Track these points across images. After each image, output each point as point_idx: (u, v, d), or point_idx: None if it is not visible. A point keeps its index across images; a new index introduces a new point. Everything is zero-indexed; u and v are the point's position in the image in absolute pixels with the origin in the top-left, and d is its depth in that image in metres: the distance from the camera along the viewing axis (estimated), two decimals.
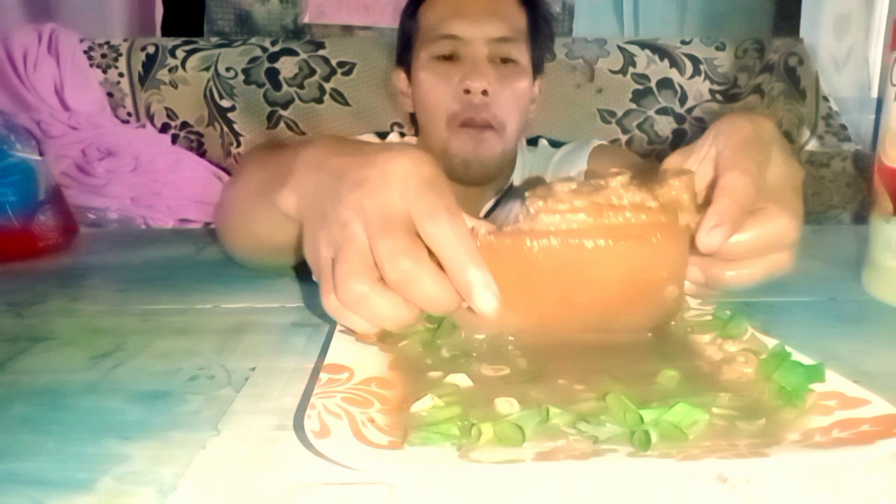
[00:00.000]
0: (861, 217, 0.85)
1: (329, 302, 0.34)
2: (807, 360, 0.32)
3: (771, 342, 0.35)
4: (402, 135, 0.99)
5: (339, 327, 0.37)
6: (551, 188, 0.35)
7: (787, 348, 0.33)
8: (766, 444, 0.26)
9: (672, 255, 0.36)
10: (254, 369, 0.37)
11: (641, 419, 0.27)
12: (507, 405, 0.29)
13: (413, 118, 0.97)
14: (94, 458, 0.28)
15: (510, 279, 0.33)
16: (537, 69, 0.90)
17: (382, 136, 0.98)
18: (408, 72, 0.91)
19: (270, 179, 0.44)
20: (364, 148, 0.38)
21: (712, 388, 0.31)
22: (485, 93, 0.80)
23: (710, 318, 0.40)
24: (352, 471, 0.25)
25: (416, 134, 0.97)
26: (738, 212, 0.34)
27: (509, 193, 0.90)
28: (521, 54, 0.85)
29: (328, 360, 0.33)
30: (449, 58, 0.83)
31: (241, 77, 1.29)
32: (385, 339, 0.37)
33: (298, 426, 0.30)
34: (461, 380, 0.32)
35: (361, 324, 0.34)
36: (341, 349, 0.34)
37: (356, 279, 0.32)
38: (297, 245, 0.40)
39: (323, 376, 0.31)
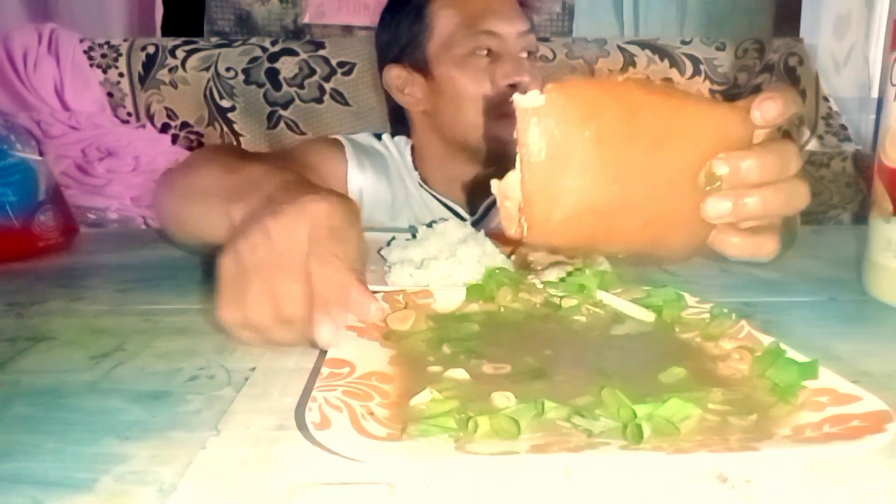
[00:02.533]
0: (861, 217, 0.85)
1: (228, 315, 0.39)
2: (802, 358, 0.32)
3: (767, 340, 0.35)
4: (394, 135, 0.98)
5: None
6: None
7: (782, 346, 0.34)
8: (757, 438, 0.26)
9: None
10: (254, 369, 0.37)
11: (635, 414, 0.27)
12: (503, 399, 0.30)
13: (397, 116, 0.97)
14: (94, 457, 0.28)
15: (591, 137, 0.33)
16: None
17: (377, 136, 0.98)
18: (416, 69, 0.91)
19: (230, 189, 0.50)
20: (308, 187, 0.44)
21: (708, 384, 0.31)
22: (523, 83, 0.85)
23: (707, 316, 0.40)
24: (352, 470, 0.25)
25: (406, 133, 0.97)
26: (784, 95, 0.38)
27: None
28: (535, 43, 0.91)
29: (330, 355, 0.33)
30: (488, 52, 0.86)
31: (241, 77, 1.29)
32: (388, 336, 0.38)
33: (299, 425, 0.30)
34: (460, 374, 0.33)
35: (251, 338, 0.39)
36: (343, 345, 0.35)
37: (264, 313, 0.37)
38: None
39: (324, 370, 0.31)
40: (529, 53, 0.89)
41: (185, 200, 0.63)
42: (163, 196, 0.69)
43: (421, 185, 0.93)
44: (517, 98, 0.34)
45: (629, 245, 0.38)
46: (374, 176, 0.92)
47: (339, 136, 0.97)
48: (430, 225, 0.59)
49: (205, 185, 0.59)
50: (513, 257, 0.58)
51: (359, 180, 0.92)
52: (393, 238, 0.58)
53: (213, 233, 0.51)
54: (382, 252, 0.58)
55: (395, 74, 0.92)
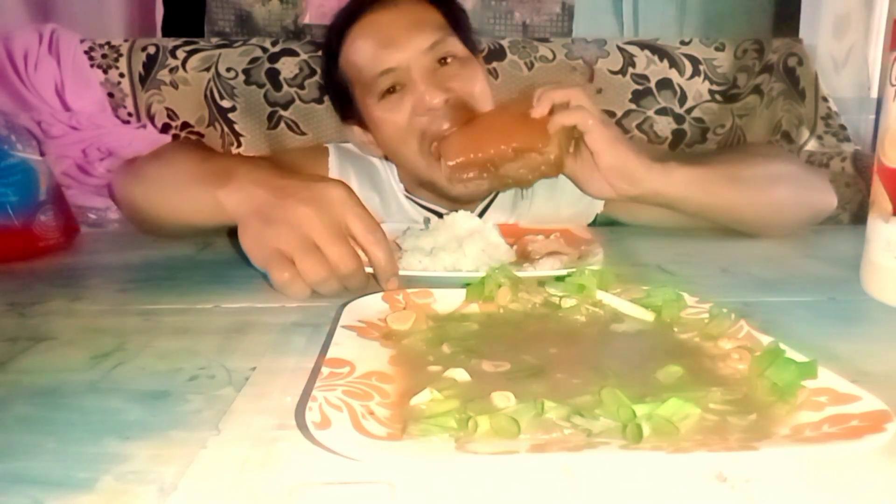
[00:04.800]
0: (861, 217, 0.85)
1: (283, 276, 0.50)
2: (801, 358, 0.32)
3: (767, 339, 0.35)
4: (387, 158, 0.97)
5: (340, 324, 0.39)
6: None
7: (782, 346, 0.34)
8: (756, 438, 0.26)
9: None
10: (254, 369, 0.37)
11: (634, 413, 0.27)
12: (503, 399, 0.30)
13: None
14: (94, 457, 0.28)
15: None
16: (474, 51, 0.87)
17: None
18: (360, 123, 0.88)
19: (209, 174, 0.60)
20: (295, 175, 0.56)
21: (707, 384, 0.31)
22: (447, 100, 0.78)
23: (706, 316, 0.40)
24: (352, 470, 0.25)
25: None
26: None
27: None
28: (457, 47, 0.82)
29: (330, 354, 0.33)
30: (394, 89, 0.79)
31: (242, 77, 1.29)
32: (388, 336, 0.38)
33: (299, 425, 0.30)
34: (459, 374, 0.33)
35: (303, 290, 0.51)
36: (343, 344, 0.35)
37: (321, 266, 0.51)
38: (209, 227, 0.63)
39: (324, 370, 0.31)
40: (445, 61, 0.80)
41: (157, 186, 0.70)
42: (130, 183, 0.75)
43: (408, 197, 0.93)
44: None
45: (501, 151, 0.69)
46: (359, 183, 0.91)
47: (329, 144, 0.97)
48: (441, 216, 0.66)
49: (178, 171, 0.67)
50: (514, 247, 0.65)
51: None
52: (408, 228, 0.65)
53: (194, 215, 0.62)
54: (398, 240, 0.63)
55: (357, 132, 0.90)
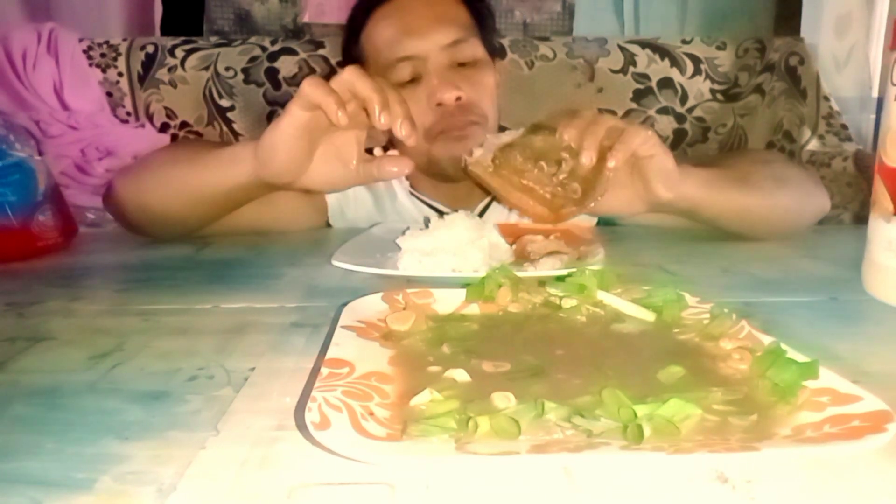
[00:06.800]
0: (861, 217, 0.85)
1: (313, 82, 0.57)
2: (802, 358, 0.32)
3: (768, 340, 0.35)
4: (386, 149, 0.97)
5: (340, 324, 0.38)
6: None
7: (783, 346, 0.33)
8: (757, 438, 0.26)
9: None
10: (253, 369, 0.37)
11: (635, 414, 0.27)
12: (503, 399, 0.30)
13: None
14: (93, 458, 0.28)
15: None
16: (493, 54, 0.89)
17: (369, 150, 0.97)
18: None
19: (221, 152, 0.68)
20: None
21: (708, 385, 0.31)
22: (458, 98, 0.79)
23: (707, 316, 0.40)
24: (352, 470, 0.25)
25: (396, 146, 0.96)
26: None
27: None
28: (477, 49, 0.83)
29: (329, 354, 0.33)
30: (411, 79, 0.80)
31: (241, 76, 1.29)
32: (388, 336, 0.38)
33: (298, 425, 0.30)
34: (459, 375, 0.33)
35: (333, 102, 0.56)
36: (342, 345, 0.35)
37: (343, 74, 0.58)
38: (235, 190, 0.68)
39: (324, 370, 0.31)
40: (465, 65, 0.81)
41: (171, 168, 0.74)
42: (136, 176, 0.77)
43: (412, 193, 0.92)
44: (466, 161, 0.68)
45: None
46: (354, 188, 0.92)
47: None
48: (442, 215, 0.66)
49: (195, 147, 0.73)
50: (514, 247, 0.65)
51: (335, 192, 0.91)
52: (408, 228, 0.65)
53: (227, 172, 0.67)
54: (398, 240, 0.63)
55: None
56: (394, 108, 0.58)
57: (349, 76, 0.57)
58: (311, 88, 0.57)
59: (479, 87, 0.82)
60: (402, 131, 0.58)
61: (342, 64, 0.87)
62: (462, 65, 0.82)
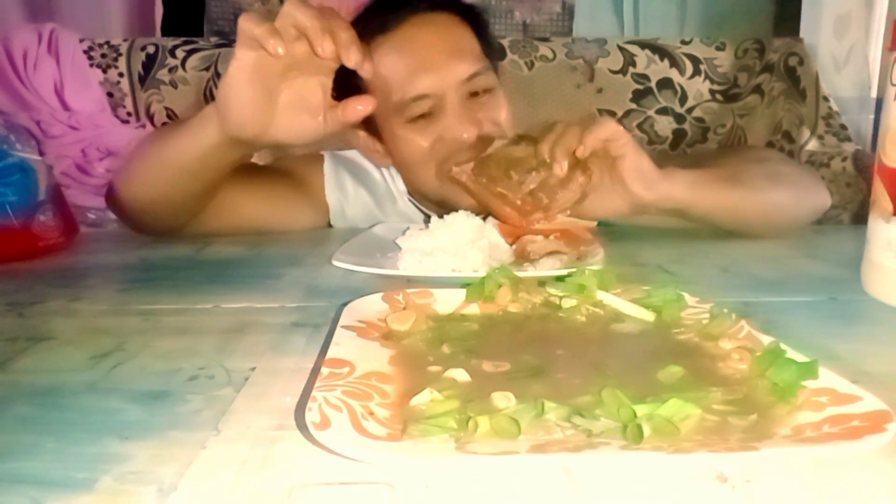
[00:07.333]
0: (861, 217, 0.85)
1: (247, 17, 0.56)
2: (801, 358, 0.32)
3: (767, 339, 0.35)
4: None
5: (340, 324, 0.39)
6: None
7: (782, 346, 0.34)
8: (757, 438, 0.26)
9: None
10: (254, 369, 0.37)
11: (634, 414, 0.27)
12: (503, 399, 0.30)
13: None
14: (94, 457, 0.28)
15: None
16: (496, 67, 0.86)
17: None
18: (368, 129, 0.85)
19: (191, 119, 0.67)
20: None
21: (708, 384, 0.31)
22: (476, 133, 0.77)
23: (707, 316, 0.40)
24: (352, 470, 0.25)
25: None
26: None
27: None
28: (490, 78, 0.80)
29: (329, 354, 0.33)
30: (426, 114, 0.77)
31: None
32: (388, 336, 0.38)
33: (299, 425, 0.30)
34: (459, 375, 0.33)
35: (266, 31, 0.54)
36: (343, 345, 0.35)
37: (284, 6, 0.54)
38: (215, 158, 0.67)
39: (324, 370, 0.31)
40: (479, 93, 0.79)
41: (150, 153, 0.73)
42: (126, 170, 0.77)
43: (410, 201, 0.92)
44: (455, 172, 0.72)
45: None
46: (354, 190, 0.92)
47: (324, 152, 0.96)
48: (441, 216, 0.65)
49: (166, 130, 0.74)
50: (514, 247, 0.65)
51: (336, 194, 0.92)
52: (408, 228, 0.65)
53: (195, 144, 0.66)
54: (398, 240, 0.63)
55: (363, 137, 0.87)
56: (339, 35, 0.54)
57: (288, 7, 0.54)
58: (246, 23, 0.55)
59: (494, 111, 0.79)
60: (350, 59, 0.55)
61: (338, 88, 0.71)
62: (477, 97, 0.79)
